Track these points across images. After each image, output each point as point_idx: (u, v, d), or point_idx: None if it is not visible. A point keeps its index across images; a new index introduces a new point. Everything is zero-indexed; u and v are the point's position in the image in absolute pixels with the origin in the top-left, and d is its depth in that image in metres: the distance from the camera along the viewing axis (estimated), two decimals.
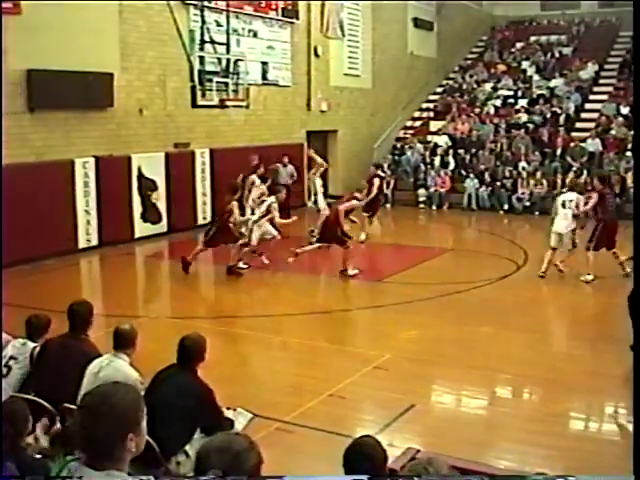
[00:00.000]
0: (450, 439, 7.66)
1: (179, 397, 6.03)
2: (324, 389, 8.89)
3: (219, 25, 20.94)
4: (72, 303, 7.02)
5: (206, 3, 20.38)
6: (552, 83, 29.92)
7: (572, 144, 25.68)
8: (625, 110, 27.19)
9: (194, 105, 19.32)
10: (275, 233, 15.65)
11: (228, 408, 6.56)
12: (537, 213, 23.74)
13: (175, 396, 6.03)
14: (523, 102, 29.01)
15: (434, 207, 25.51)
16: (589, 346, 11.14)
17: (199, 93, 19.13)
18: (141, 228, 19.05)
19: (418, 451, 5.44)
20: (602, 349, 10.85)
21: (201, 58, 19.46)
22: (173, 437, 5.92)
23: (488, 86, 30.81)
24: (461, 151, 26.92)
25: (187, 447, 6.03)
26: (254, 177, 17.70)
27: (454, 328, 11.77)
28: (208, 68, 19.58)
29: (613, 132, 26.06)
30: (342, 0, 27.00)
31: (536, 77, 30.77)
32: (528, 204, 24.08)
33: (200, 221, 20.64)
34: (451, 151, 26.76)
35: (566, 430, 8.35)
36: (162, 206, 19.59)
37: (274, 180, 19.85)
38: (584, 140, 25.81)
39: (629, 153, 24.42)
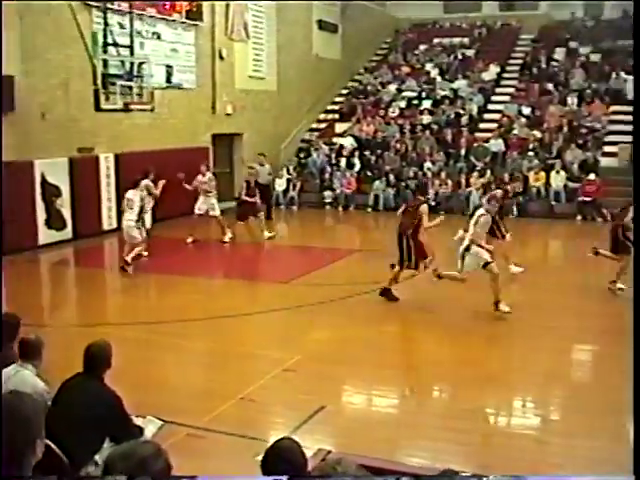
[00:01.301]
0: (361, 439, 7.73)
1: (86, 406, 5.94)
2: (234, 393, 8.88)
3: (122, 27, 20.69)
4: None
5: (109, 5, 20.10)
6: (455, 84, 30.45)
7: (475, 144, 26.21)
8: (526, 110, 27.87)
9: (98, 109, 19.03)
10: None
11: (137, 416, 6.50)
12: (442, 213, 24.09)
13: (82, 405, 5.94)
14: (427, 103, 29.46)
15: (340, 208, 25.70)
16: (496, 342, 11.37)
17: (103, 97, 18.85)
18: (45, 235, 18.69)
19: (329, 452, 5.48)
20: (512, 345, 11.09)
21: (104, 61, 19.20)
22: (82, 447, 5.82)
23: (392, 88, 31.15)
24: (366, 152, 27.18)
25: (97, 457, 5.94)
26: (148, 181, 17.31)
27: (363, 328, 11.88)
28: (112, 71, 19.31)
29: (515, 132, 26.69)
30: (246, 0, 26.95)
31: (439, 79, 31.22)
32: (433, 204, 24.39)
33: (106, 227, 20.38)
34: (357, 152, 26.97)
35: (477, 425, 8.48)
36: (67, 212, 19.26)
37: (256, 181, 20.41)
38: (487, 140, 26.37)
39: (531, 153, 25.01)
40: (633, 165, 20.28)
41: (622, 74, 28.97)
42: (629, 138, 25.83)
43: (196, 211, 19.18)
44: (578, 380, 10.32)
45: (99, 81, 18.74)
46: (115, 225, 20.11)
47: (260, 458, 4.07)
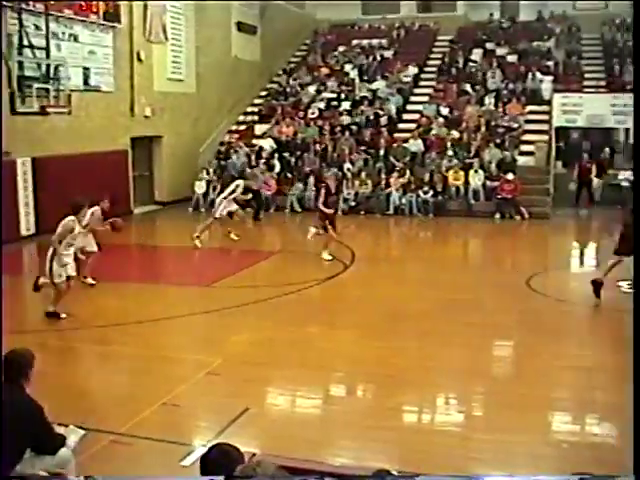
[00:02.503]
0: (286, 440, 7.74)
1: (6, 415, 5.81)
2: (157, 398, 8.81)
3: (38, 29, 20.34)
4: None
5: (24, 6, 19.75)
6: (374, 85, 30.64)
7: (395, 145, 26.41)
8: (445, 111, 28.21)
9: (13, 112, 18.72)
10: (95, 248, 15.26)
11: (59, 424, 6.40)
12: (363, 213, 24.30)
13: (2, 414, 5.82)
14: (346, 104, 29.57)
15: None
16: (417, 340, 11.48)
17: (18, 100, 18.57)
18: None
19: (254, 454, 5.48)
20: (433, 342, 11.21)
21: (20, 63, 18.90)
22: (2, 457, 5.70)
23: (312, 89, 31.19)
24: (286, 154, 27.16)
25: (18, 467, 5.83)
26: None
27: (285, 329, 11.90)
28: (27, 73, 19.04)
29: (434, 132, 26.97)
30: (165, 0, 26.74)
31: (358, 80, 31.37)
32: (354, 204, 24.58)
33: (24, 232, 20.02)
34: (276, 154, 26.91)
35: (400, 424, 8.56)
36: None
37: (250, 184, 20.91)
38: (406, 140, 26.59)
39: (450, 152, 25.33)
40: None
41: (538, 74, 29.56)
42: (545, 137, 26.41)
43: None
44: (498, 376, 10.45)
45: (14, 84, 18.43)
46: (33, 231, 19.79)
47: (187, 463, 4.07)
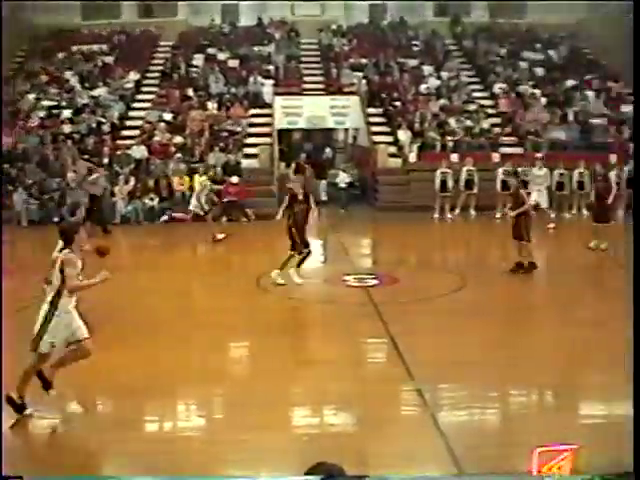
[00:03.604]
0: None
1: None
2: None
3: None
4: None
5: None
6: (96, 92, 30.01)
7: (118, 152, 26.00)
8: (168, 116, 28.10)
9: None
10: None
11: None
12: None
13: None
14: (68, 112, 28.70)
15: None
16: (150, 348, 11.19)
17: None
18: None
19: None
20: (166, 348, 11.01)
21: None
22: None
23: (31, 97, 29.98)
24: (6, 165, 25.92)
25: None
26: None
27: None
28: None
29: (157, 138, 26.82)
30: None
31: (79, 87, 30.58)
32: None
33: None
34: None
35: (140, 434, 8.43)
36: None
37: None
38: (130, 147, 26.23)
39: (175, 157, 25.28)
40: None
41: (259, 78, 30.15)
42: (268, 139, 26.94)
43: None
44: (235, 376, 10.57)
45: None
46: None
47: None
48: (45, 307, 8.51)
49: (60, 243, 8.77)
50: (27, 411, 8.53)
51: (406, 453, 7.63)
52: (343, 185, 23.98)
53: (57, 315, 8.44)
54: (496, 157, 26.69)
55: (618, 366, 8.96)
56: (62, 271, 8.40)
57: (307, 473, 4.34)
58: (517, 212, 15.88)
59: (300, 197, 15.04)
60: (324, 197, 26.63)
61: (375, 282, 15.28)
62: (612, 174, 21.88)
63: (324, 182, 27.35)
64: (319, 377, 9.90)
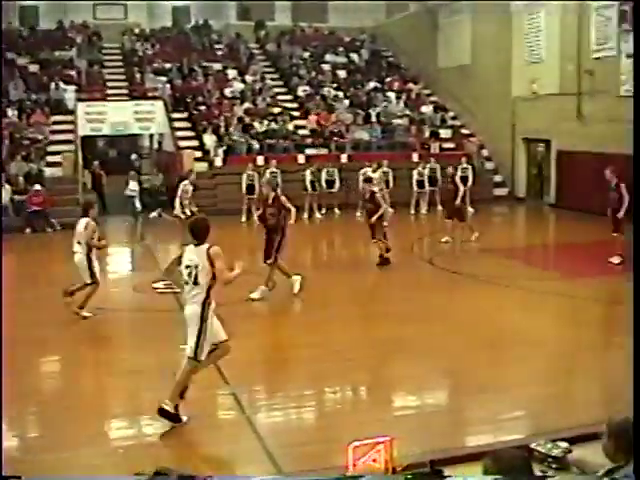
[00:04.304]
0: None
1: None
2: None
3: None
4: None
5: None
6: None
7: None
8: None
9: None
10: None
11: None
12: None
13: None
14: None
15: None
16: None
17: None
18: None
19: None
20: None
21: None
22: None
23: None
24: None
25: None
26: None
27: None
28: None
29: None
30: None
31: None
32: None
33: None
34: None
35: None
36: None
37: None
38: None
39: None
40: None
41: (61, 84, 29.52)
42: (72, 147, 26.45)
43: None
44: (48, 392, 10.34)
45: None
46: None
47: None
48: (197, 310, 8.27)
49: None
50: (184, 419, 8.36)
51: (225, 458, 7.80)
52: (129, 193, 23.26)
53: (210, 317, 8.34)
54: (301, 158, 27.30)
55: (426, 358, 9.38)
56: (212, 265, 8.16)
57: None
58: (376, 216, 16.55)
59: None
60: (138, 205, 26.35)
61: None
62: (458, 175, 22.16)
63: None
64: (132, 387, 9.89)
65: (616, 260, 16.64)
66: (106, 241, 14.21)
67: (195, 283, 8.24)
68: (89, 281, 13.12)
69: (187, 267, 8.28)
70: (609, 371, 10.16)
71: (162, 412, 8.26)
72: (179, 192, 19.78)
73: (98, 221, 13.90)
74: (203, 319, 8.26)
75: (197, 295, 8.27)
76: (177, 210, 19.76)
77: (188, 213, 20.09)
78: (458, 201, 19.51)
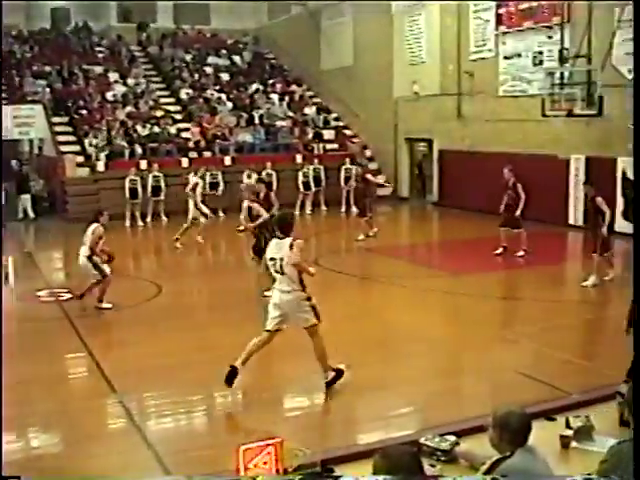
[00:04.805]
0: None
1: None
2: None
3: None
4: None
5: None
6: None
7: None
8: None
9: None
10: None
11: None
12: None
13: None
14: None
15: None
16: None
17: None
18: None
19: None
20: None
21: None
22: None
23: None
24: None
25: None
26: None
27: None
28: None
29: None
30: None
31: None
32: None
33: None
34: None
35: None
36: None
37: None
38: None
39: None
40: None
41: None
42: None
43: None
44: None
45: None
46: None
47: None
48: (296, 295, 9.24)
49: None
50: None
51: (116, 468, 7.68)
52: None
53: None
54: (185, 162, 27.23)
55: (314, 358, 9.50)
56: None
57: None
58: (256, 224, 16.32)
59: None
60: (31, 213, 25.97)
61: (69, 296, 15.06)
62: (369, 176, 22.26)
63: (27, 196, 26.54)
64: (16, 400, 9.42)
65: (520, 253, 17.68)
66: (110, 249, 14.51)
67: (282, 274, 9.15)
68: (100, 278, 13.96)
69: (272, 259, 9.25)
70: (494, 365, 10.52)
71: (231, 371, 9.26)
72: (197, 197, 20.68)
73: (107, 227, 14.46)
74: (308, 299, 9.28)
75: (289, 285, 9.18)
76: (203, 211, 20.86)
77: (208, 212, 20.98)
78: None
